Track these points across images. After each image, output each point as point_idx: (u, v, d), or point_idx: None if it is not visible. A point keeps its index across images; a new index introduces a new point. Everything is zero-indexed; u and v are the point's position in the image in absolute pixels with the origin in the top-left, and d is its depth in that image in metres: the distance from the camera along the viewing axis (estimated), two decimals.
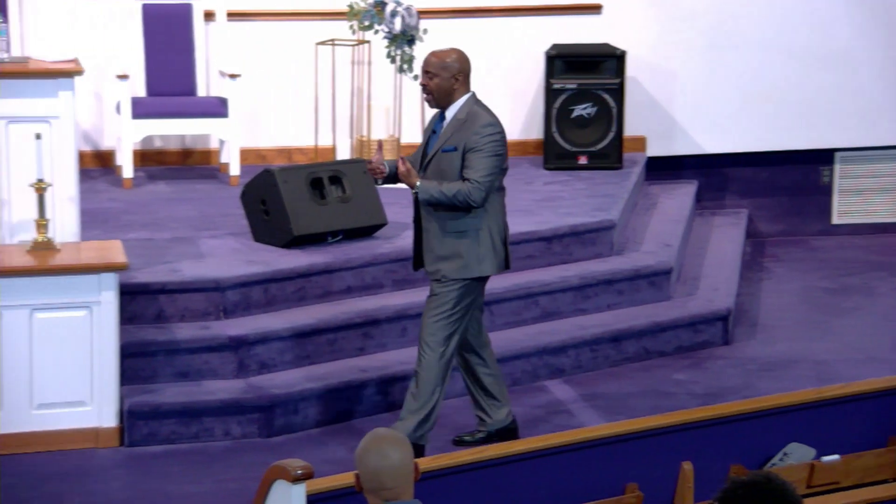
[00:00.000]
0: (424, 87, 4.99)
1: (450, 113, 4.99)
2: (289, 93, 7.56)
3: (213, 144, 7.60)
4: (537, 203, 6.95)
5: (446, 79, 4.94)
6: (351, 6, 7.23)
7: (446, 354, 5.02)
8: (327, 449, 5.26)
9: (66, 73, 5.55)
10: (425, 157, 5.03)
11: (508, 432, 5.22)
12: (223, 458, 5.22)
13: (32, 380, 5.20)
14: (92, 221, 6.23)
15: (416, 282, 6.00)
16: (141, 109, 7.08)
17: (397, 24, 7.09)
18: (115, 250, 5.38)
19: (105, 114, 7.43)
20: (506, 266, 5.10)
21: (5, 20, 5.97)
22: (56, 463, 5.13)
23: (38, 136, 5.33)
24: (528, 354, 5.96)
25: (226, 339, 5.55)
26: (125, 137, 7.08)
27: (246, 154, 7.43)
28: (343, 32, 7.34)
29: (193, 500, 4.88)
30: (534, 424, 5.48)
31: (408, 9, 7.12)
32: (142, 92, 7.25)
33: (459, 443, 5.23)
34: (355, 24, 7.24)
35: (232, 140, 7.19)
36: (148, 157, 7.55)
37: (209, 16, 7.40)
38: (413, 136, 7.39)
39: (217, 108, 7.17)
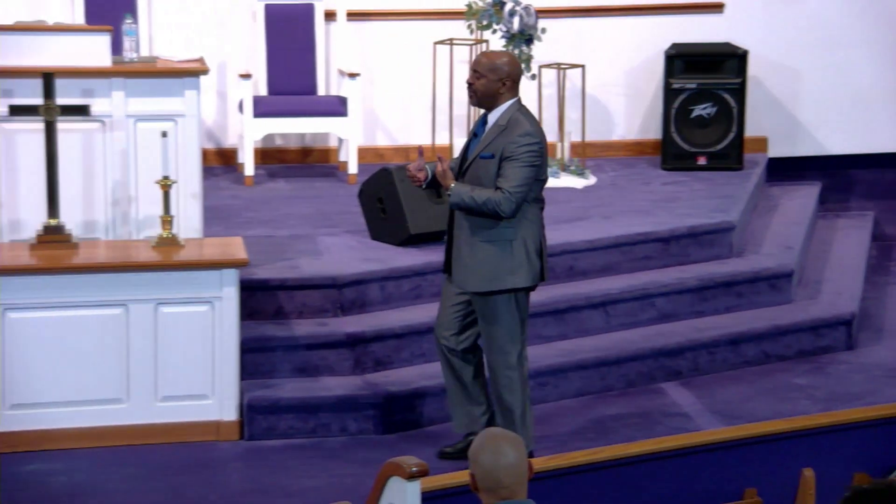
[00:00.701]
0: (470, 86, 4.87)
1: (492, 118, 4.87)
2: (407, 92, 7.61)
3: (333, 143, 7.69)
4: (655, 204, 6.88)
5: (493, 81, 4.82)
6: (469, 5, 7.25)
7: (519, 367, 4.88)
8: (442, 447, 5.27)
9: (192, 72, 5.67)
10: (464, 162, 4.92)
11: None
12: (339, 453, 5.27)
13: (157, 372, 5.32)
14: (214, 218, 6.35)
15: None
16: (263, 108, 7.20)
17: (515, 24, 7.09)
18: (236, 246, 5.47)
19: (228, 112, 7.57)
20: (541, 278, 4.91)
21: (135, 21, 6.13)
22: (178, 454, 5.23)
23: (164, 135, 5.45)
24: (644, 356, 5.91)
25: (343, 336, 5.61)
26: (247, 135, 7.20)
27: (364, 153, 7.51)
28: (461, 32, 7.36)
29: (310, 495, 4.94)
30: (650, 427, 5.43)
31: (526, 8, 7.11)
32: (264, 91, 7.37)
33: (444, 456, 5.08)
34: (473, 23, 7.25)
35: (351, 139, 7.26)
36: (269, 155, 7.67)
37: (330, 15, 7.49)
38: None
39: (337, 107, 7.25)
